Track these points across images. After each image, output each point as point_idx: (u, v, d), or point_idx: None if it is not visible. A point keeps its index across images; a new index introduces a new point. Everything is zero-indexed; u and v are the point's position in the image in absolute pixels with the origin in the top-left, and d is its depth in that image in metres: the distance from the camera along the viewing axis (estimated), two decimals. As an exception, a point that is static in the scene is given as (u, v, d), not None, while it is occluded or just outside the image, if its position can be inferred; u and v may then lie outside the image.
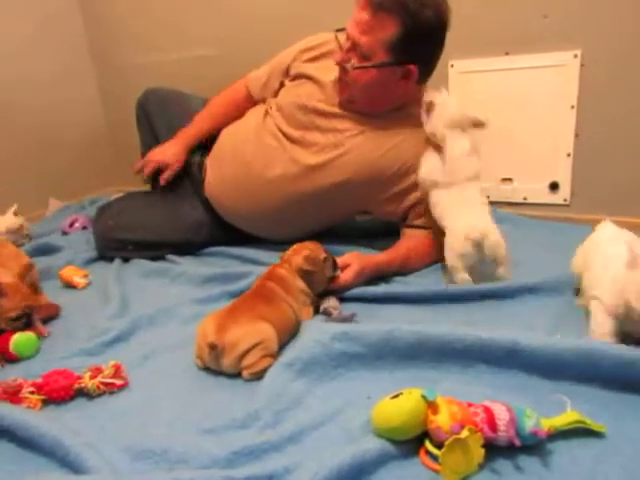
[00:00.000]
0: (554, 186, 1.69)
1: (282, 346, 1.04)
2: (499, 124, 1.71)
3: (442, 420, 0.76)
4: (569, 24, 1.56)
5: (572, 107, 1.61)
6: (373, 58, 1.31)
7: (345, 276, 1.23)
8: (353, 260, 1.26)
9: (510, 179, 1.76)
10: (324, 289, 1.21)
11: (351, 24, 1.31)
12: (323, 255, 1.20)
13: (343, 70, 1.37)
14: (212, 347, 0.98)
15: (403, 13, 1.24)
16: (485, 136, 1.72)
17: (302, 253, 1.17)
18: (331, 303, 1.18)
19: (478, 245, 1.19)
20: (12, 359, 1.11)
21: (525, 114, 1.68)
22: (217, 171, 1.60)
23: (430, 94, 1.30)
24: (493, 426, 0.74)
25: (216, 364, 1.00)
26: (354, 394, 0.91)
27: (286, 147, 1.47)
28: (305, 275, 1.16)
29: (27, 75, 2.17)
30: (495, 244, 1.20)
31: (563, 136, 1.64)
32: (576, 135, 1.62)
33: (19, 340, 1.11)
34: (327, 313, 1.16)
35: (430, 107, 1.30)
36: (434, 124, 1.29)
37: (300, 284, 1.15)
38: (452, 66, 1.73)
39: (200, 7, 2.14)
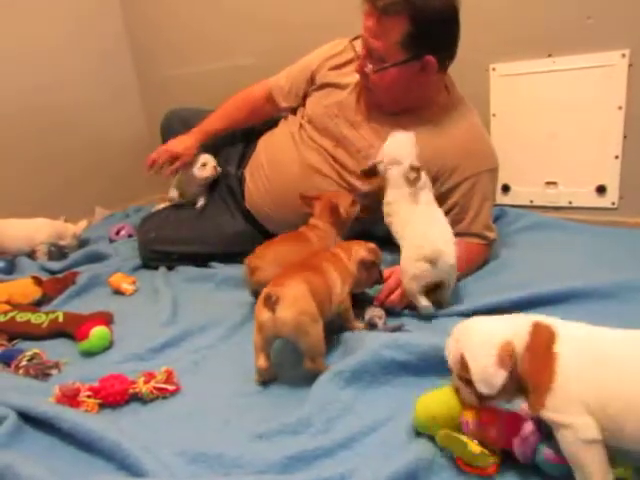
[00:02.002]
0: (601, 189, 1.64)
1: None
2: (542, 127, 1.69)
3: (469, 415, 0.76)
4: (616, 23, 1.52)
5: (619, 108, 1.56)
6: (389, 59, 1.31)
7: (393, 297, 1.20)
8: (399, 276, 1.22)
9: (555, 183, 1.72)
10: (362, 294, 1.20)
11: (363, 30, 1.32)
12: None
13: (364, 77, 1.38)
14: (268, 297, 0.95)
15: (410, 10, 1.23)
16: (528, 139, 1.72)
17: (364, 246, 1.16)
18: (376, 312, 1.15)
19: (432, 263, 1.13)
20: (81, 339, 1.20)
21: (570, 116, 1.64)
22: (258, 183, 1.62)
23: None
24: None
25: (273, 323, 0.95)
26: (403, 401, 0.90)
27: (326, 158, 1.49)
28: (362, 268, 1.14)
29: (78, 96, 2.30)
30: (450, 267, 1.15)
31: (610, 138, 1.59)
32: (624, 137, 1.58)
33: (99, 330, 1.21)
34: (372, 324, 1.13)
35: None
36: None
37: (354, 269, 1.13)
38: (494, 69, 1.71)
39: (237, 18, 2.18)
